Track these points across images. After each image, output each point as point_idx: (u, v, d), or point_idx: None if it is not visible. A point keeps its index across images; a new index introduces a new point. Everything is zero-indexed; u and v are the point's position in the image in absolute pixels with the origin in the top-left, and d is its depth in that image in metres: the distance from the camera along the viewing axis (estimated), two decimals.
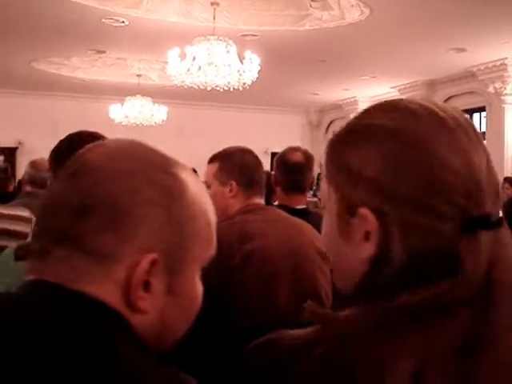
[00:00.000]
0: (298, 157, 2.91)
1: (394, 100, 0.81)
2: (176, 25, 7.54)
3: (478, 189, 0.73)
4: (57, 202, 0.75)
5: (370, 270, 0.76)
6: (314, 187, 8.67)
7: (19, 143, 13.09)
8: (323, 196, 0.84)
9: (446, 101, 11.30)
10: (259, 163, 2.31)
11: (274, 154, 12.82)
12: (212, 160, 2.29)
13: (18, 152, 13.06)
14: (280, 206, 2.95)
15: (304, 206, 2.91)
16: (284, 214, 2.24)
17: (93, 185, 0.73)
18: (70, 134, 2.08)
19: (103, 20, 7.47)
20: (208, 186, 2.26)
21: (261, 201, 2.27)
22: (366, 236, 0.75)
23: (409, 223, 0.73)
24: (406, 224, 0.73)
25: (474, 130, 0.77)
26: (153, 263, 0.72)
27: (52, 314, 0.69)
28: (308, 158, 2.95)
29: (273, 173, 3.11)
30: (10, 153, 12.92)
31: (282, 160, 2.95)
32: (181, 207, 0.76)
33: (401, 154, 0.74)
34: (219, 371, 1.81)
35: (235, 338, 1.79)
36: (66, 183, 0.76)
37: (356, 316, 0.75)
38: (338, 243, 0.80)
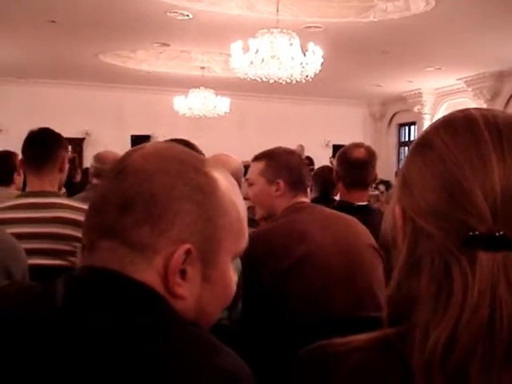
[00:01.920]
0: (360, 153, 2.90)
1: (452, 113, 0.83)
2: (239, 17, 7.58)
3: (491, 207, 0.71)
4: (103, 201, 0.84)
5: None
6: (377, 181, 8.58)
7: (86, 134, 13.42)
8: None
9: None
10: (304, 164, 2.38)
11: (335, 147, 12.78)
12: (258, 158, 2.33)
13: (85, 142, 13.41)
14: (340, 202, 2.96)
15: (365, 203, 2.90)
16: (331, 211, 2.28)
17: (134, 184, 0.82)
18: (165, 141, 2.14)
19: (168, 13, 7.57)
20: (251, 184, 2.30)
21: (306, 200, 2.30)
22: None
23: (418, 227, 0.75)
24: (416, 228, 0.76)
25: None
26: (187, 253, 0.81)
27: (109, 297, 0.79)
28: (371, 155, 2.93)
29: (335, 167, 3.10)
30: (77, 143, 13.26)
31: (344, 156, 2.94)
32: (211, 202, 0.85)
33: (430, 165, 0.76)
34: (274, 366, 1.85)
35: (288, 335, 1.83)
36: (111, 184, 0.85)
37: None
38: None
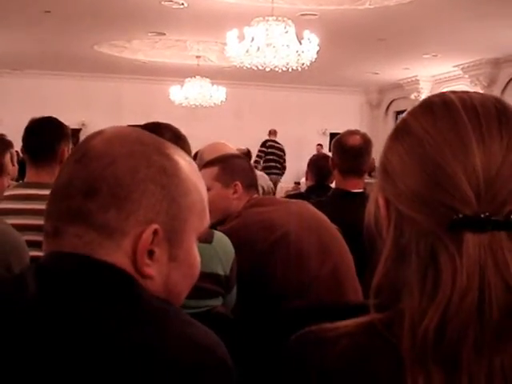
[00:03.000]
0: (356, 140, 2.90)
1: (429, 97, 0.83)
2: (235, 6, 7.55)
3: (474, 190, 0.71)
4: (66, 186, 0.85)
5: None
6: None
7: (83, 125, 13.39)
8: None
9: (511, 79, 10.97)
10: (253, 167, 2.45)
11: (332, 135, 12.74)
12: (209, 164, 2.33)
13: (82, 133, 13.38)
14: (336, 189, 2.96)
15: (361, 190, 2.91)
16: (282, 199, 2.35)
17: (97, 168, 0.83)
18: (147, 125, 2.14)
19: (163, 2, 7.54)
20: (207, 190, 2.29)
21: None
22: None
23: (402, 215, 0.75)
24: (400, 215, 0.76)
25: (501, 122, 0.74)
26: (154, 233, 0.83)
27: (81, 279, 0.80)
28: (366, 142, 2.93)
29: (330, 155, 3.10)
30: (74, 134, 13.17)
31: (339, 143, 2.94)
32: (175, 183, 0.87)
33: (410, 151, 0.76)
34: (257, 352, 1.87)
35: (271, 322, 1.87)
36: (73, 168, 0.85)
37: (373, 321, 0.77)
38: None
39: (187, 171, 0.90)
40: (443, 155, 0.73)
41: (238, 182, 2.25)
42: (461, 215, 0.71)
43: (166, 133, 1.91)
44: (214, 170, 2.28)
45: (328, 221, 2.25)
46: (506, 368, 0.69)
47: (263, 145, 11.39)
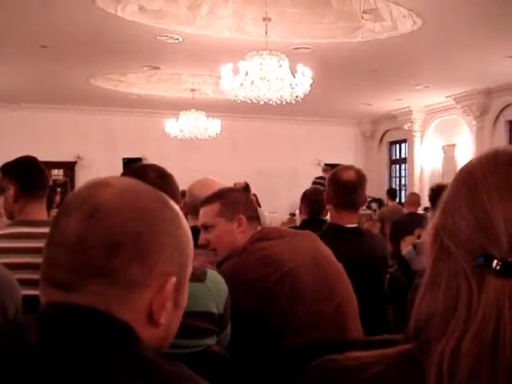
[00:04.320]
0: (350, 175, 2.92)
1: (500, 146, 0.86)
2: (229, 40, 7.64)
3: (509, 236, 0.73)
4: (80, 241, 0.82)
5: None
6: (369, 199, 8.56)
7: (78, 157, 13.43)
8: None
9: (503, 109, 11.08)
10: (252, 198, 2.45)
11: (327, 166, 12.78)
12: (209, 201, 2.30)
13: (77, 166, 13.42)
14: (331, 224, 2.97)
15: (355, 225, 2.92)
16: (288, 230, 2.35)
17: (119, 223, 0.83)
18: (132, 166, 2.16)
19: (158, 37, 7.62)
20: (208, 227, 2.26)
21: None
22: None
23: (443, 247, 0.78)
24: (442, 247, 0.79)
25: None
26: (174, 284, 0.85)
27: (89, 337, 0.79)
28: (361, 177, 2.95)
29: (325, 190, 3.12)
30: (69, 167, 13.27)
31: (334, 178, 2.96)
32: (181, 235, 0.91)
33: (464, 189, 0.80)
34: None
35: (275, 359, 1.86)
36: (88, 223, 0.83)
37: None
38: None
39: (184, 221, 0.94)
40: (491, 200, 0.76)
41: (241, 215, 2.24)
42: (489, 256, 0.73)
43: (151, 172, 1.92)
44: (215, 206, 2.26)
45: (332, 255, 2.25)
46: None
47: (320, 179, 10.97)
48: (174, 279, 0.86)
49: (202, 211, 2.30)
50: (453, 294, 0.75)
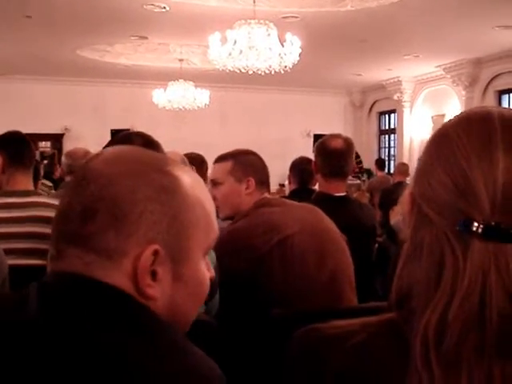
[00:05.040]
0: (338, 143, 2.91)
1: (472, 108, 0.86)
2: (216, 9, 7.55)
3: (491, 199, 0.73)
4: (67, 209, 0.84)
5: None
6: (357, 170, 8.55)
7: (65, 129, 13.33)
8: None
9: (492, 79, 11.06)
10: (265, 164, 2.41)
11: (316, 136, 12.78)
12: (222, 158, 2.33)
13: (65, 138, 13.33)
14: (319, 193, 2.97)
15: (343, 194, 2.92)
16: (292, 202, 2.33)
17: (95, 190, 0.81)
18: (118, 135, 2.15)
19: (145, 6, 7.52)
20: (217, 184, 2.31)
21: (269, 196, 2.36)
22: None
23: (422, 213, 0.78)
24: (420, 213, 0.78)
25: None
26: (155, 253, 0.81)
27: (82, 300, 0.79)
28: (349, 145, 2.95)
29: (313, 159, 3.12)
30: (57, 139, 13.18)
31: (322, 146, 2.96)
32: (176, 200, 0.84)
33: (440, 153, 0.79)
34: (256, 357, 1.87)
35: (266, 327, 1.87)
36: (74, 191, 0.85)
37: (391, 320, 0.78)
38: None
39: (189, 186, 0.87)
40: (469, 162, 0.75)
41: (251, 178, 2.26)
42: (472, 221, 0.73)
43: (137, 140, 1.92)
44: (227, 164, 2.29)
45: (334, 228, 2.23)
46: (506, 375, 0.71)
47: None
48: (153, 248, 0.80)
49: (213, 167, 2.36)
50: (436, 261, 0.74)
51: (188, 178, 0.88)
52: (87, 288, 0.80)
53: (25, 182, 2.49)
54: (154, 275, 0.82)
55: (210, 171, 2.80)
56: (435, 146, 0.81)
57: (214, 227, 0.91)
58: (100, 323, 0.76)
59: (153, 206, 0.82)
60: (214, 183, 2.32)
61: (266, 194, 2.32)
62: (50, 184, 6.10)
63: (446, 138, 0.79)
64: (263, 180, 2.32)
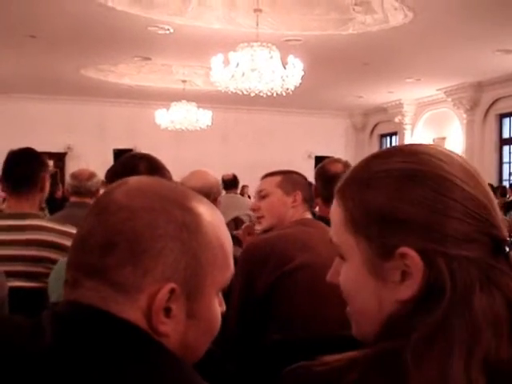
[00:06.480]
0: (338, 168, 2.92)
1: (410, 145, 0.87)
2: (220, 31, 7.62)
3: (497, 215, 0.80)
4: (86, 238, 0.83)
5: (405, 310, 0.78)
6: None
7: (68, 148, 13.38)
8: (344, 246, 0.85)
9: (493, 103, 11.12)
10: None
11: (317, 158, 12.82)
12: (272, 174, 2.42)
13: (67, 157, 13.36)
14: (319, 218, 2.97)
15: None
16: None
17: (116, 223, 0.81)
18: (124, 157, 2.14)
19: (149, 28, 7.60)
20: (264, 196, 2.37)
21: (311, 217, 2.40)
22: (403, 277, 0.78)
23: (454, 257, 0.76)
24: (451, 258, 0.76)
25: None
26: (171, 292, 0.80)
27: (93, 334, 0.78)
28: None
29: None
30: (59, 158, 13.21)
31: (322, 171, 2.97)
32: (196, 239, 0.83)
33: (435, 197, 0.78)
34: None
35: (271, 349, 1.85)
36: (94, 221, 0.83)
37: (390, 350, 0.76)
38: (368, 288, 0.82)
39: (210, 224, 0.86)
40: (477, 192, 0.80)
41: (298, 192, 2.33)
42: (502, 239, 0.78)
43: (141, 164, 1.91)
44: (276, 178, 2.37)
45: None
46: None
47: None
48: (170, 286, 0.79)
49: (262, 181, 2.42)
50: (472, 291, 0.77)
51: (210, 215, 0.87)
52: (103, 322, 0.79)
53: (20, 205, 2.47)
54: (167, 312, 0.81)
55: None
56: (422, 189, 0.81)
57: (231, 266, 0.90)
58: (116, 359, 0.76)
59: (173, 243, 0.81)
60: (262, 195, 2.38)
61: (309, 214, 2.37)
62: (43, 205, 6.06)
63: (431, 178, 0.81)
64: (309, 198, 2.39)
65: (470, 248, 0.76)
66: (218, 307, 0.88)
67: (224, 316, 0.91)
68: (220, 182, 2.90)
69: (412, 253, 0.76)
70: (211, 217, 0.87)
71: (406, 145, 0.88)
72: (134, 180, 0.89)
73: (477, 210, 0.78)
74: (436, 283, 0.76)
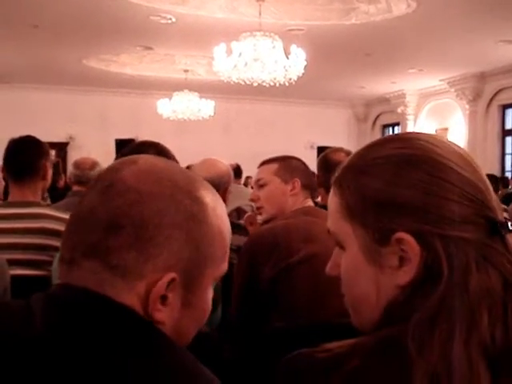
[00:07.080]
0: (340, 157, 2.91)
1: (404, 133, 0.90)
2: (222, 21, 7.59)
3: (492, 199, 0.81)
4: (89, 216, 0.81)
5: (404, 295, 0.79)
6: None
7: (70, 138, 13.37)
8: (341, 235, 0.86)
9: (496, 93, 11.08)
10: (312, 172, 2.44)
11: (319, 149, 12.79)
12: (269, 161, 2.37)
13: (69, 147, 13.36)
14: (322, 207, 2.97)
15: None
16: None
17: (124, 205, 0.79)
18: (132, 144, 2.14)
19: (151, 17, 7.57)
20: (263, 184, 2.33)
21: (312, 204, 2.36)
22: (401, 262, 0.79)
23: (450, 238, 0.77)
24: (448, 239, 0.77)
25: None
26: (171, 281, 0.79)
27: (83, 316, 0.77)
28: None
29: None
30: (61, 148, 13.20)
31: (324, 160, 2.96)
32: (201, 231, 0.83)
33: (430, 180, 0.79)
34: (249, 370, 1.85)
35: (272, 337, 1.85)
36: (100, 199, 0.81)
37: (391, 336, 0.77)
38: (367, 275, 0.82)
39: (215, 217, 0.85)
40: (473, 177, 0.81)
41: (297, 179, 2.29)
42: (497, 221, 0.79)
43: (150, 151, 1.92)
44: (273, 165, 2.33)
45: None
46: None
47: None
48: (171, 276, 0.79)
49: (259, 170, 2.38)
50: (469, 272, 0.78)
51: (215, 206, 0.86)
52: (100, 306, 0.78)
53: (23, 193, 2.47)
54: (164, 299, 0.80)
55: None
56: (418, 172, 0.83)
57: (227, 259, 0.90)
58: (112, 344, 0.75)
59: (179, 232, 0.80)
60: (260, 184, 2.35)
61: (310, 201, 2.33)
62: (45, 195, 6.07)
63: (428, 162, 0.83)
64: (308, 184, 2.34)
65: (467, 229, 0.77)
66: (210, 297, 0.89)
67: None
68: (231, 170, 2.87)
69: (408, 237, 0.77)
70: (216, 207, 0.87)
71: (400, 133, 0.90)
72: (144, 160, 0.87)
73: (473, 192, 0.79)
74: (433, 265, 0.77)
